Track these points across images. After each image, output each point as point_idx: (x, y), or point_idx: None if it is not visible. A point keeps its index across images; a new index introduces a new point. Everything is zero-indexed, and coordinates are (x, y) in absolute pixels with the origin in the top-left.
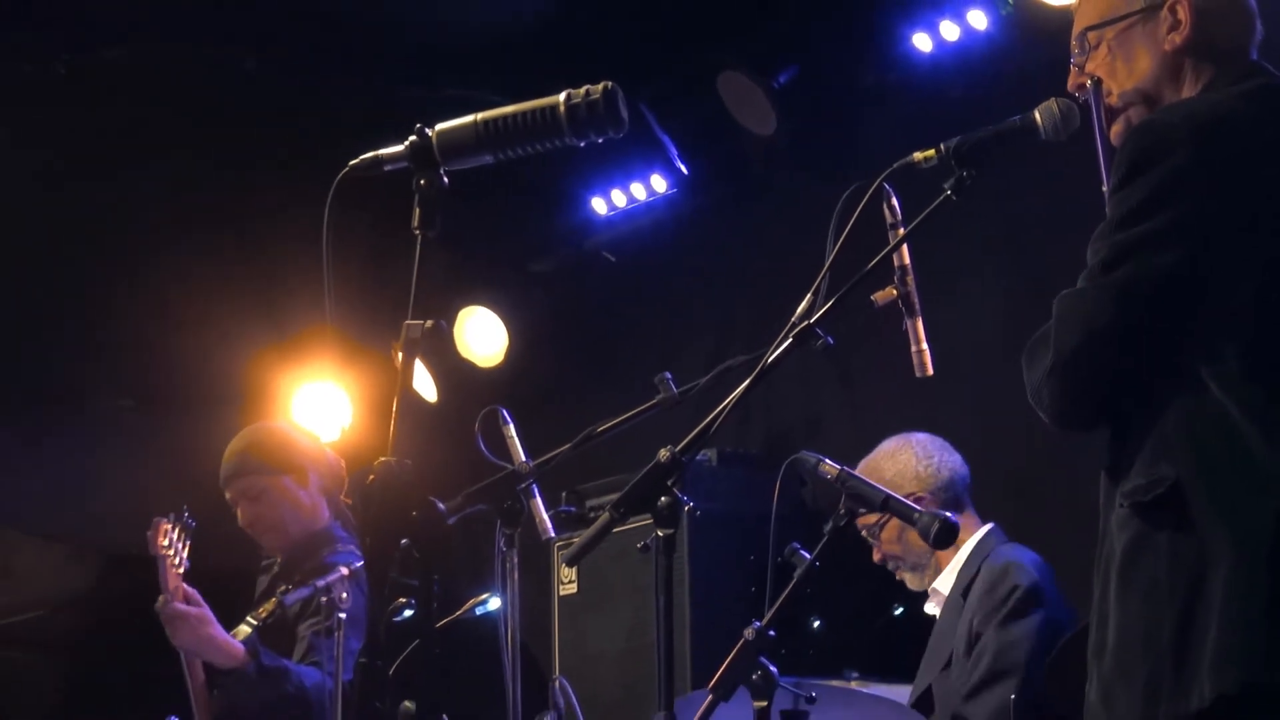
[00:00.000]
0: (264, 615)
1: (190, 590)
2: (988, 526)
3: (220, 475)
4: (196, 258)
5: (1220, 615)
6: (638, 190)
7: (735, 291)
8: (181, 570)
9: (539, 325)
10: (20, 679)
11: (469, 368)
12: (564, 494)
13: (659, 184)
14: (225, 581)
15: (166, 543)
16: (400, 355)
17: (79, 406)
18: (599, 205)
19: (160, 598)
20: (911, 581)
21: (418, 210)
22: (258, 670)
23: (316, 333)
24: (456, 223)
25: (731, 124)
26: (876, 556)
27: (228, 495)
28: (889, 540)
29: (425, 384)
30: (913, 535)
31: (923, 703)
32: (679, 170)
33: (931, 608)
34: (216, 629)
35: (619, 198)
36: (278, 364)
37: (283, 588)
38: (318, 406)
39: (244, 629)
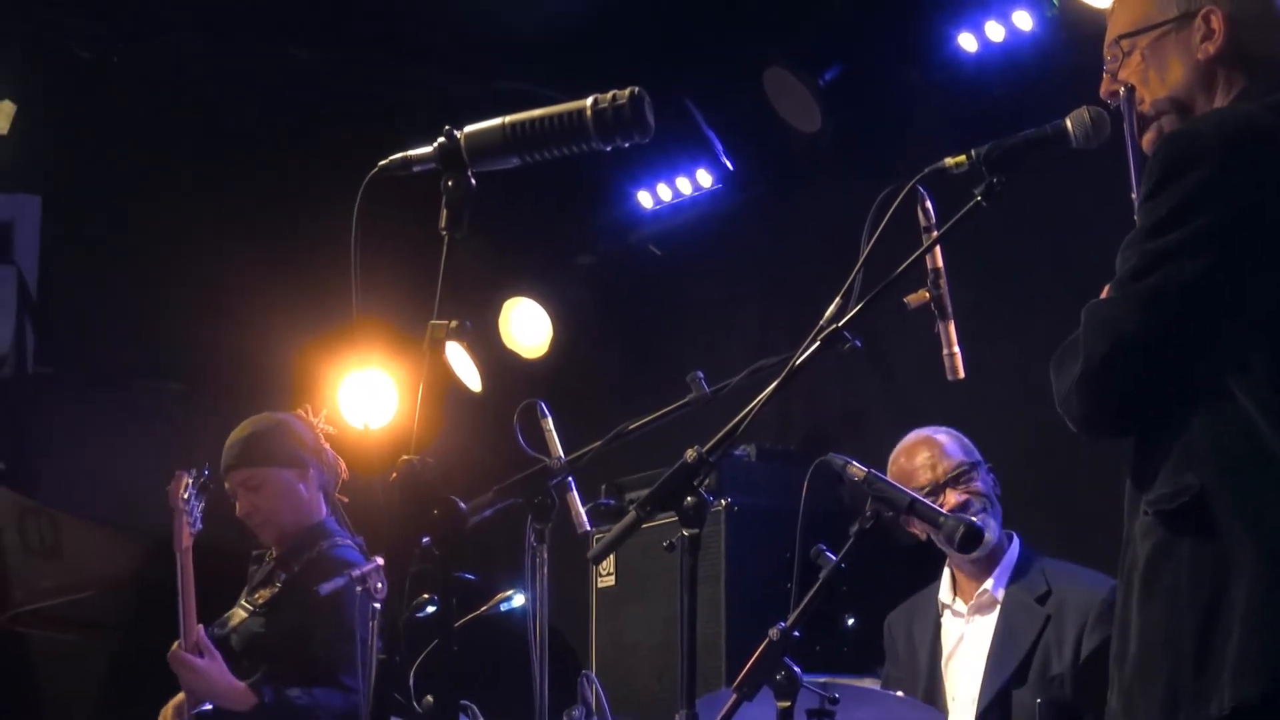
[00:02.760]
0: (261, 602)
1: (204, 638)
2: (1015, 535)
3: (221, 464)
4: (248, 245)
5: (1242, 623)
6: (683, 185)
7: (778, 287)
8: (194, 530)
9: (584, 317)
10: (69, 659)
11: (513, 358)
12: (603, 487)
13: (704, 179)
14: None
15: (186, 496)
16: (426, 353)
17: (129, 390)
18: (645, 199)
19: (174, 645)
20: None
21: (445, 211)
22: (261, 713)
23: (364, 322)
24: (504, 215)
25: (777, 121)
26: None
27: (226, 485)
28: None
29: (469, 374)
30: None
31: (995, 710)
32: (724, 166)
33: (964, 607)
34: (223, 679)
35: (665, 192)
36: (325, 353)
37: (281, 576)
38: (364, 395)
39: (240, 613)
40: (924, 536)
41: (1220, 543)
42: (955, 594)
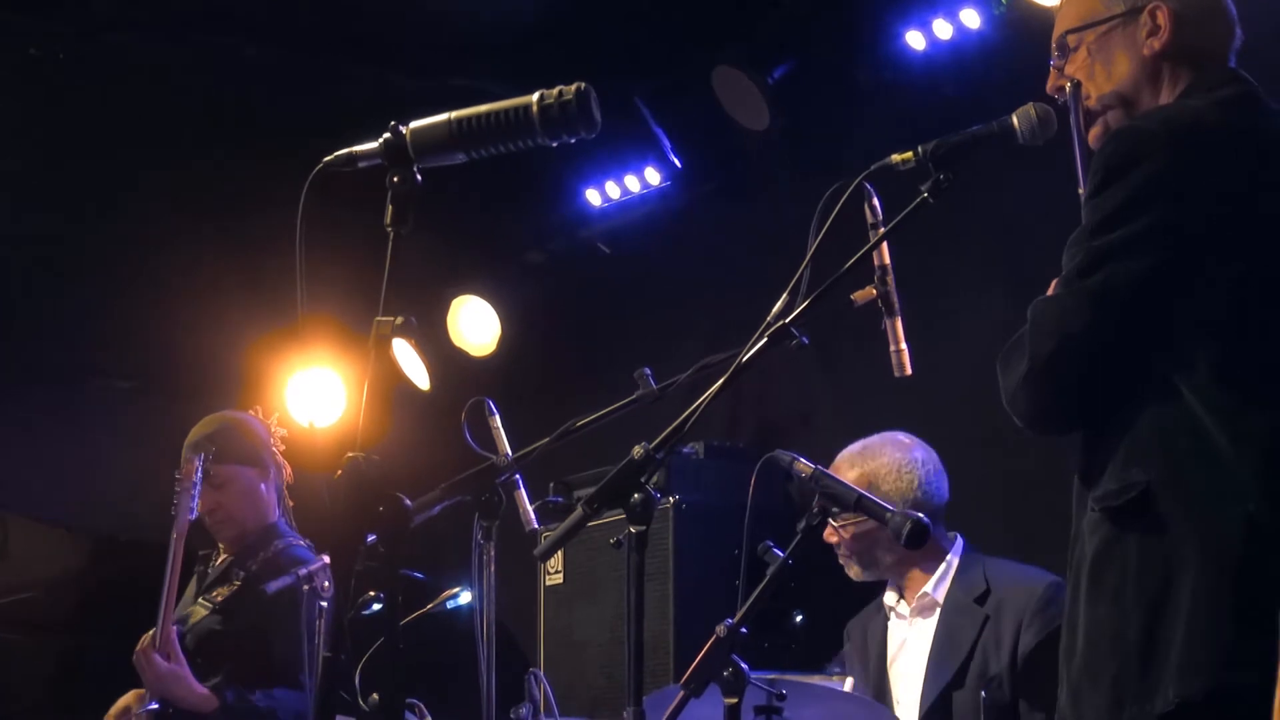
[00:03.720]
0: (219, 600)
1: (174, 641)
2: (959, 537)
3: (183, 454)
4: (197, 242)
5: (1187, 619)
6: (632, 183)
7: (728, 285)
8: (190, 518)
9: (532, 315)
10: (13, 659)
11: (462, 357)
12: (551, 485)
13: (653, 177)
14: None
15: (196, 480)
16: (371, 350)
17: (78, 389)
18: (593, 197)
19: (143, 638)
20: (855, 574)
21: (390, 207)
22: (225, 716)
23: (311, 320)
24: (453, 213)
25: (726, 119)
26: (831, 538)
27: (182, 470)
28: (856, 536)
29: (418, 372)
30: (882, 543)
31: (936, 713)
32: (673, 163)
33: (907, 610)
34: (187, 684)
35: (613, 190)
36: (274, 351)
37: (239, 574)
38: (312, 393)
39: (199, 610)
40: (836, 540)
41: (1166, 539)
42: (900, 597)
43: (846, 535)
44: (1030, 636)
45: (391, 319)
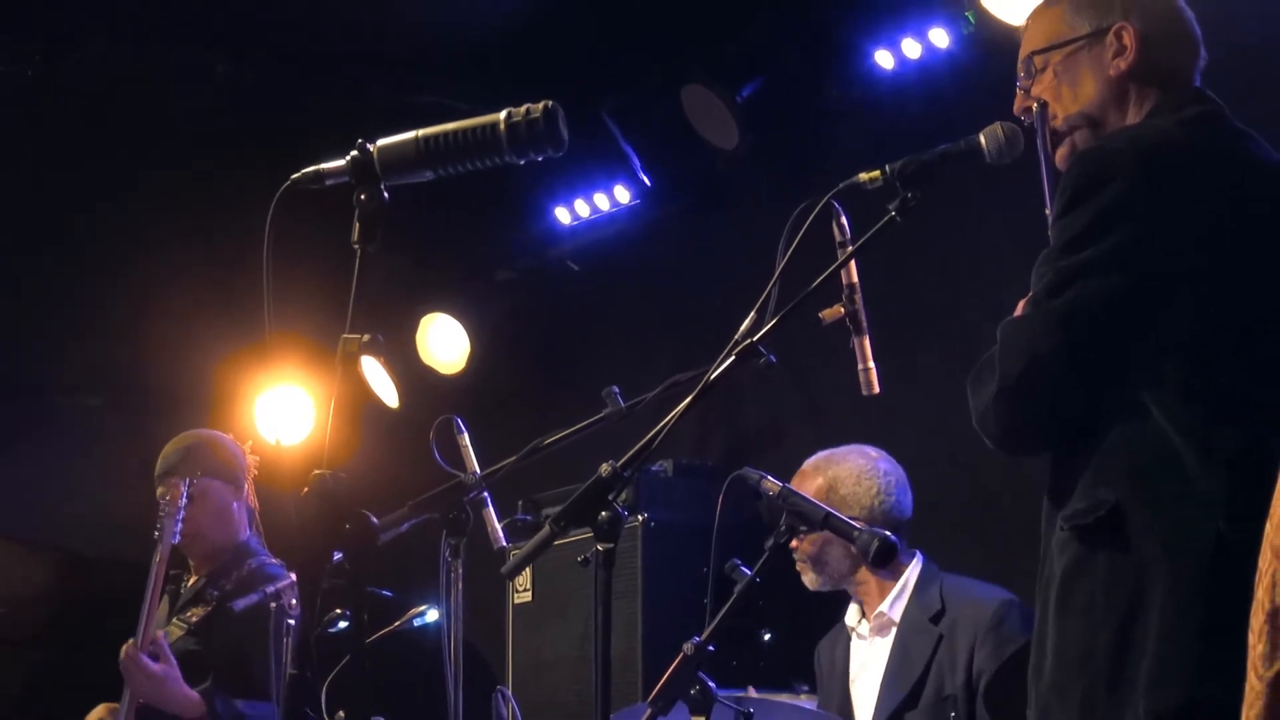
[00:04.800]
0: (195, 620)
1: (163, 643)
2: (919, 554)
3: (159, 468)
4: (167, 260)
5: (1157, 635)
6: (601, 201)
7: (697, 303)
8: (174, 540)
9: (502, 333)
10: None
11: (431, 374)
12: (520, 503)
13: (622, 195)
14: None
15: (180, 505)
16: (339, 367)
17: (48, 406)
18: (563, 215)
19: (126, 644)
20: (810, 581)
21: (357, 225)
22: None
23: (279, 338)
24: (422, 231)
25: (695, 137)
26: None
27: (160, 491)
28: (813, 540)
29: (387, 390)
30: (836, 550)
31: None
32: (642, 181)
33: (867, 630)
34: (177, 685)
35: (582, 208)
36: (243, 368)
37: (213, 594)
38: (281, 411)
39: (175, 630)
40: (795, 545)
41: (1135, 558)
42: (861, 615)
43: (804, 542)
44: (984, 655)
45: (358, 336)
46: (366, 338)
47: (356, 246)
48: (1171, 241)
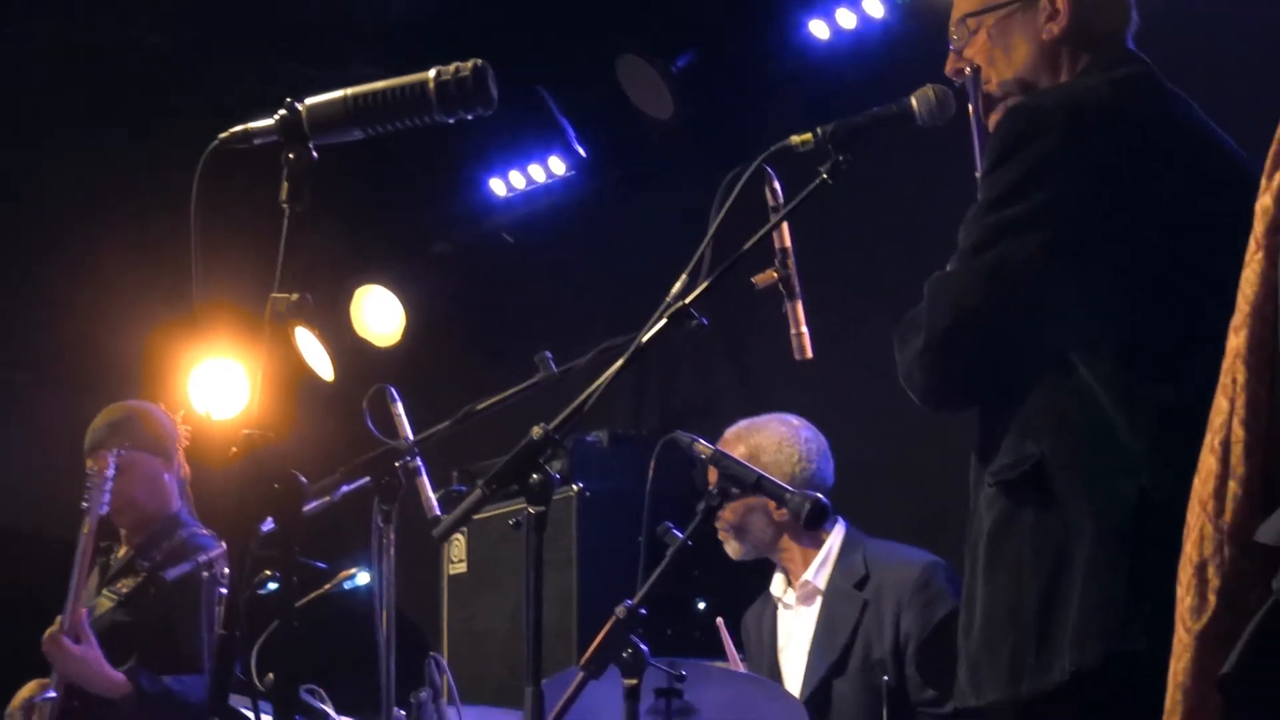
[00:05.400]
0: (125, 591)
1: (85, 624)
2: (841, 521)
3: (88, 441)
4: (96, 230)
5: (1082, 590)
6: (536, 172)
7: (633, 274)
8: (102, 512)
9: (437, 305)
10: None
11: (366, 347)
12: (455, 473)
13: (557, 166)
14: None
15: (110, 475)
16: (268, 328)
17: None
18: (498, 187)
19: (51, 627)
20: (733, 551)
21: (286, 184)
22: (140, 700)
23: (211, 308)
24: (355, 202)
25: (630, 108)
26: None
27: (89, 463)
28: (734, 509)
29: (322, 363)
30: (758, 518)
31: (816, 699)
32: (577, 153)
33: (793, 599)
34: (99, 668)
35: (518, 179)
36: (175, 340)
37: (143, 565)
38: (214, 384)
39: (105, 601)
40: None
41: (1061, 512)
42: (787, 584)
43: (726, 511)
44: (910, 618)
45: (287, 296)
46: (295, 297)
47: (285, 206)
48: (1099, 199)
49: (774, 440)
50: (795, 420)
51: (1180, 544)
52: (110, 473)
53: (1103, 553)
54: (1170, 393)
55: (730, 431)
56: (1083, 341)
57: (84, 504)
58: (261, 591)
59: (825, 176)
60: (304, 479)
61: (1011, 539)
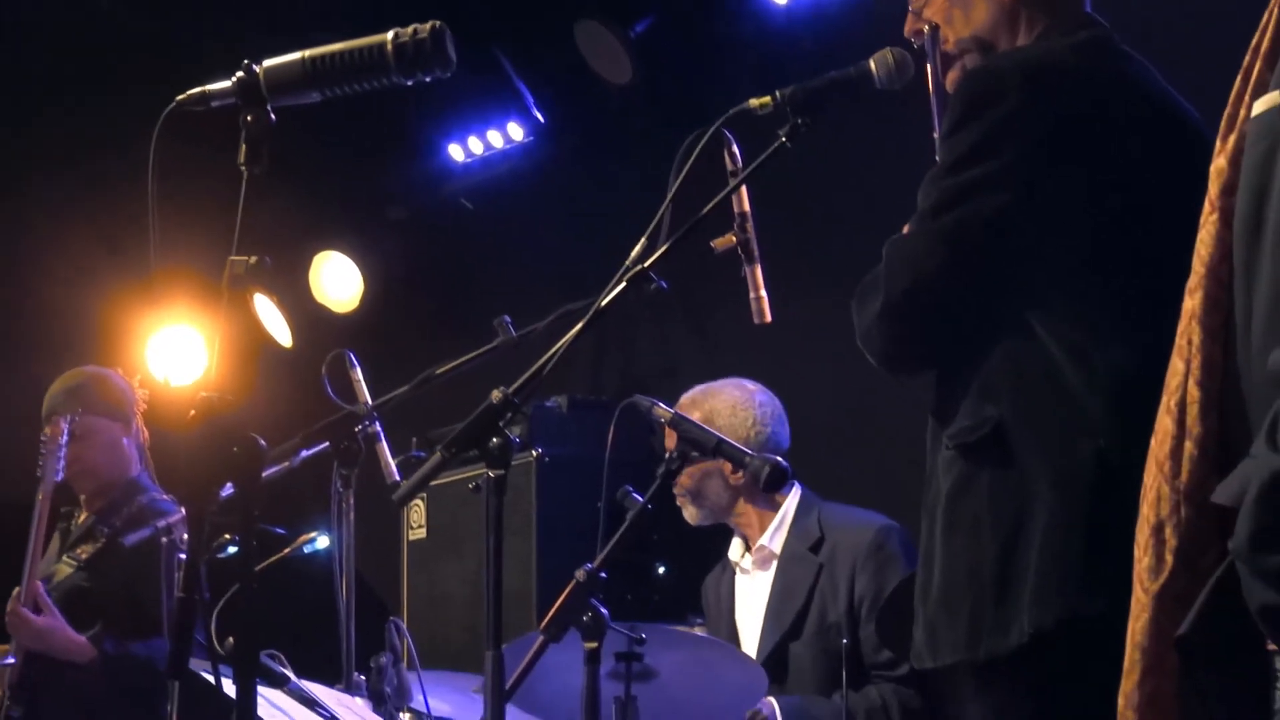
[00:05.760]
0: (84, 557)
1: (43, 594)
2: (797, 485)
3: (45, 407)
4: (52, 196)
5: (1039, 552)
6: (495, 138)
7: (592, 239)
8: (56, 479)
9: (395, 271)
10: None
11: (325, 313)
12: (414, 440)
13: (516, 132)
14: None
15: (63, 442)
16: (225, 292)
17: None
18: (456, 153)
19: (11, 597)
20: (690, 516)
21: (244, 147)
22: (105, 664)
23: (169, 274)
24: (314, 168)
25: (588, 73)
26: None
27: (48, 429)
28: (691, 473)
29: (280, 329)
30: (715, 483)
31: (772, 663)
32: (536, 118)
33: (750, 564)
34: (64, 634)
35: (476, 145)
36: (132, 306)
37: (103, 531)
38: (173, 350)
39: (65, 567)
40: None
41: (1018, 474)
42: (745, 549)
43: (683, 476)
44: (865, 580)
45: (246, 259)
46: (254, 260)
47: (243, 169)
48: (1057, 162)
49: (728, 404)
50: (751, 385)
51: (1138, 505)
52: (64, 439)
53: (1061, 514)
54: (1128, 355)
55: (686, 397)
56: (1041, 304)
57: (38, 472)
58: (221, 555)
59: (784, 139)
60: (263, 442)
61: (969, 501)
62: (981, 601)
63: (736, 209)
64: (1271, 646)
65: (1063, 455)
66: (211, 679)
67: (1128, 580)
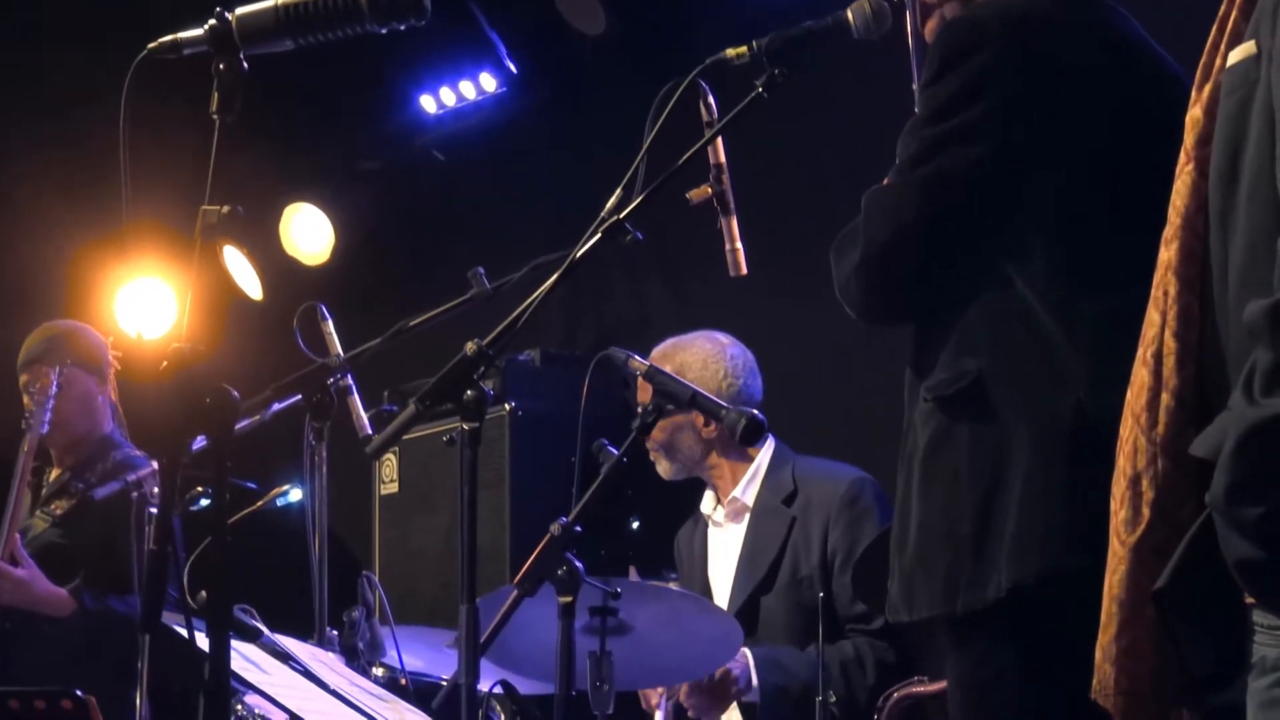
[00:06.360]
0: (59, 513)
1: (20, 548)
2: (771, 437)
3: (22, 356)
4: (19, 147)
5: (1018, 506)
6: (467, 89)
7: (565, 191)
8: (42, 431)
9: (367, 224)
10: None
11: (295, 266)
12: (386, 393)
13: (488, 83)
14: None
15: (50, 394)
16: (197, 242)
17: None
18: (428, 104)
19: None
20: (664, 470)
21: (216, 95)
22: (84, 618)
23: (139, 226)
24: (284, 120)
25: (562, 23)
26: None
27: (24, 379)
28: (663, 427)
29: (250, 282)
30: (687, 436)
31: (743, 616)
32: (508, 69)
33: (722, 516)
34: (42, 587)
35: (448, 96)
36: (101, 260)
37: (78, 486)
38: (142, 304)
39: (39, 523)
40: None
41: (997, 428)
42: (717, 502)
43: (655, 430)
44: (838, 533)
45: (218, 208)
46: (226, 209)
47: (215, 117)
48: (1038, 112)
49: (699, 357)
50: (723, 337)
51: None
52: (54, 390)
53: (1040, 468)
54: (1108, 305)
55: (657, 350)
56: (1021, 255)
57: (24, 422)
58: (193, 508)
59: (761, 90)
60: (236, 393)
61: (947, 454)
62: (959, 555)
63: (712, 160)
64: (1249, 600)
65: (1042, 408)
66: (185, 633)
67: (1108, 535)
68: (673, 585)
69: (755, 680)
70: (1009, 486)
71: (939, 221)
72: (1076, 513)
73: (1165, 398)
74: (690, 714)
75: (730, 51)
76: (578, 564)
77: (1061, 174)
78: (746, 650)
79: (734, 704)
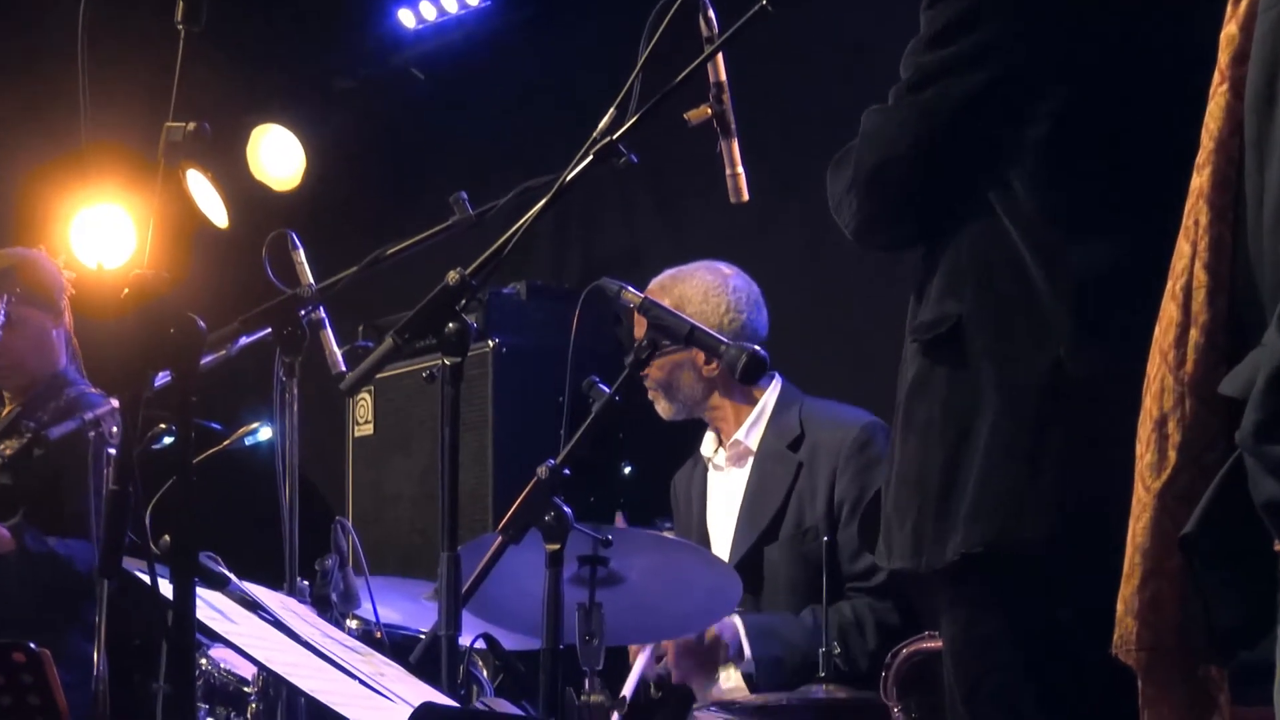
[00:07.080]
0: (8, 454)
1: None
2: (778, 377)
3: None
4: None
5: (980, 466)
6: (448, 2)
7: (553, 112)
8: None
9: (341, 146)
10: None
11: (263, 191)
12: (361, 328)
13: None
14: None
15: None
16: (161, 161)
17: None
18: (407, 18)
19: None
20: (663, 410)
21: (181, 3)
22: (23, 557)
23: (97, 148)
24: (252, 35)
25: None
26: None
27: None
28: (661, 364)
29: (215, 208)
30: (687, 374)
31: (745, 566)
32: None
33: (723, 460)
34: None
35: (428, 10)
36: (55, 183)
37: (28, 425)
38: (99, 231)
39: None
40: (654, 385)
41: (972, 378)
42: (719, 444)
43: (653, 368)
44: (846, 481)
45: (183, 125)
46: (192, 126)
47: (180, 27)
48: (1037, 42)
49: (700, 290)
50: (726, 268)
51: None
52: (1, 322)
53: (1006, 429)
54: (1102, 251)
55: (655, 282)
56: (1012, 195)
57: None
58: (155, 447)
59: (765, 3)
60: (202, 324)
61: (924, 402)
62: (925, 509)
63: (712, 78)
64: (1278, 546)
65: (1018, 363)
66: (146, 579)
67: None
68: (665, 534)
69: (748, 651)
70: (975, 443)
71: (931, 150)
72: (1038, 479)
73: (1194, 334)
74: (674, 678)
75: None
76: (566, 509)
77: (1059, 109)
78: (738, 619)
79: (735, 671)
